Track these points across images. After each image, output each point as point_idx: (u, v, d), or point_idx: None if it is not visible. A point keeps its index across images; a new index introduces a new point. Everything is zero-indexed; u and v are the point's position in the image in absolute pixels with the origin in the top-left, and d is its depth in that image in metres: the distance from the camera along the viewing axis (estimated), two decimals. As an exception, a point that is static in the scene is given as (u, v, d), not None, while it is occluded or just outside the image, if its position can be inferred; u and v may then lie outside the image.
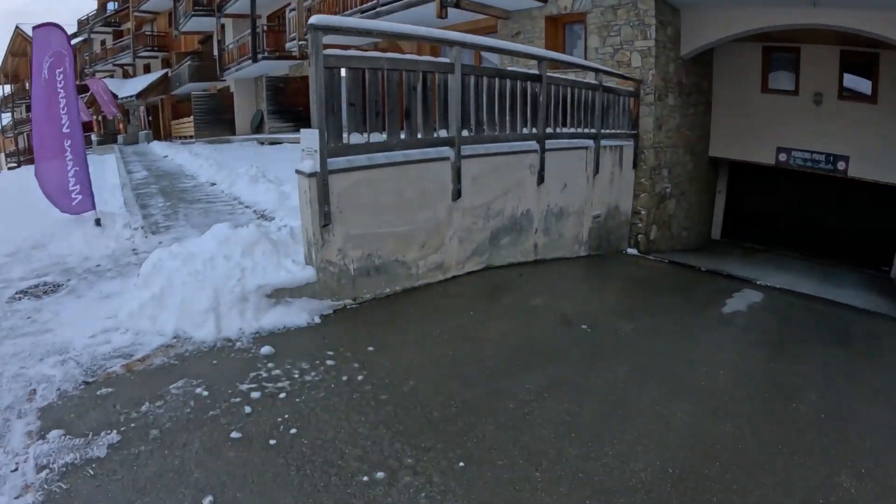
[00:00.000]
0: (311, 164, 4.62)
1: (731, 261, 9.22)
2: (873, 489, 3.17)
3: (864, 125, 8.67)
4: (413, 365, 4.17)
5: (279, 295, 4.73)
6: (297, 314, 4.72)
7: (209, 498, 2.68)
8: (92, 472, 2.81)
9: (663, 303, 6.44)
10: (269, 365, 3.93)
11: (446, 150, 5.61)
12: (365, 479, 2.92)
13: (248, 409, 3.40)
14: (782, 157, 9.59)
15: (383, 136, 5.05)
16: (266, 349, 4.13)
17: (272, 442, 3.13)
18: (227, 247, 4.85)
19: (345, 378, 3.88)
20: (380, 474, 2.95)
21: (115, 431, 3.11)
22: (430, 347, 4.50)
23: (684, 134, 9.20)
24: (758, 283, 7.50)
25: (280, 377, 3.80)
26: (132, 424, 3.18)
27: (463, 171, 5.77)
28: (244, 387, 3.64)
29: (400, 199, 5.33)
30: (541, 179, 6.79)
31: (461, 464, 3.10)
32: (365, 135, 4.90)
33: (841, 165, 9.17)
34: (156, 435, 3.10)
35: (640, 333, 5.22)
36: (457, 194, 5.79)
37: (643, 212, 8.70)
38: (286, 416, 3.38)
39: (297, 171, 4.72)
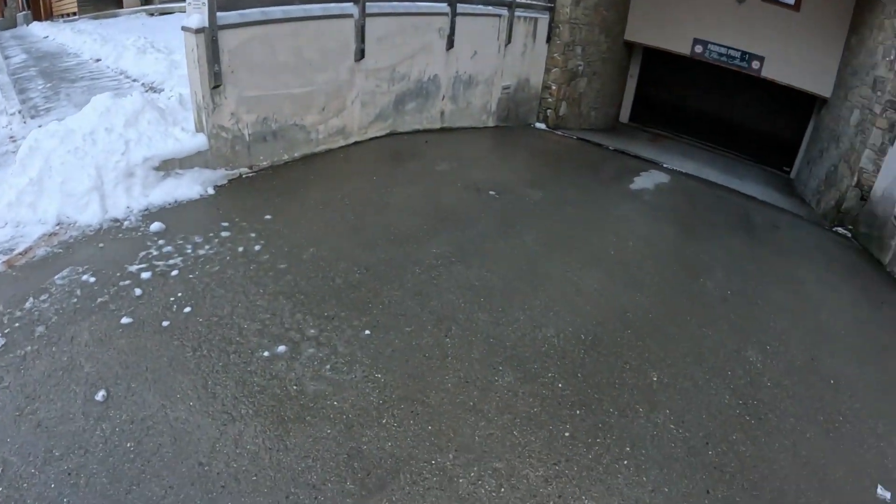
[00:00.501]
0: (198, 18, 4.09)
1: (637, 144, 9.45)
2: (778, 365, 3.52)
3: (783, 30, 8.78)
4: (313, 232, 4.04)
5: (168, 167, 4.36)
6: (188, 186, 4.41)
7: (101, 392, 2.50)
8: (-27, 385, 2.53)
9: (572, 176, 6.55)
10: (160, 242, 3.68)
11: (349, 7, 5.10)
12: (266, 354, 2.85)
13: (138, 292, 3.17)
14: (698, 48, 9.62)
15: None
16: (156, 226, 3.86)
17: (165, 324, 2.97)
18: (108, 119, 4.33)
19: (241, 249, 3.72)
20: (281, 348, 2.89)
21: (-3, 336, 2.81)
22: (331, 214, 4.36)
23: (602, 13, 8.94)
24: (664, 165, 7.78)
25: (171, 254, 3.57)
26: (16, 325, 2.86)
27: (367, 30, 5.33)
28: (133, 268, 3.38)
29: (298, 58, 4.89)
30: (450, 44, 6.42)
31: (367, 332, 3.09)
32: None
33: (756, 65, 9.35)
34: (42, 332, 2.82)
35: (549, 202, 5.30)
36: (360, 54, 5.37)
37: (554, 87, 8.56)
38: (179, 294, 3.19)
39: (183, 28, 4.17)
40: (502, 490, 2.33)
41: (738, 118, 10.83)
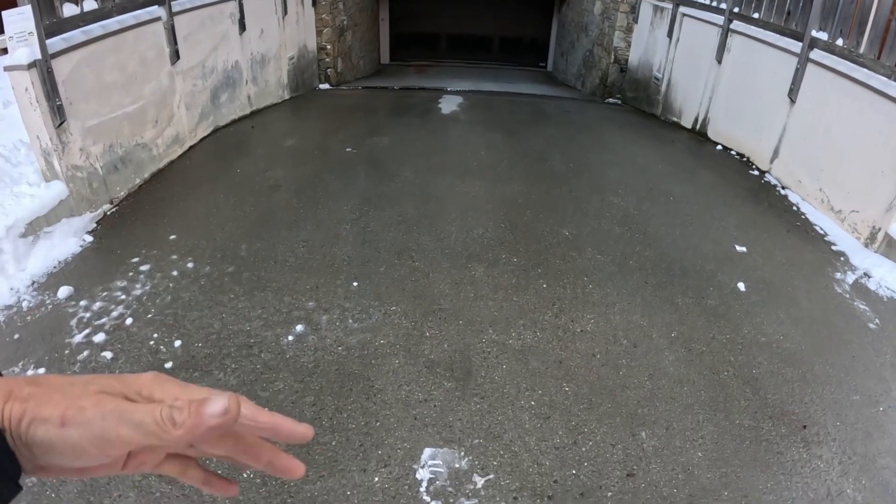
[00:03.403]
0: (26, 52, 3.89)
1: (410, 78, 10.68)
2: (633, 200, 5.05)
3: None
4: (227, 231, 4.38)
5: (35, 228, 4.16)
6: (62, 242, 4.27)
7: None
8: None
9: (389, 118, 7.45)
10: (83, 303, 3.56)
11: (157, 10, 5.33)
12: (290, 338, 3.33)
13: (107, 356, 3.16)
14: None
15: (95, 3, 4.67)
16: (64, 290, 3.65)
17: (168, 365, 3.16)
18: None
19: (175, 273, 3.87)
20: (299, 328, 3.41)
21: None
22: (229, 210, 4.69)
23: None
24: (448, 90, 9.09)
25: (108, 308, 3.53)
26: None
27: (175, 30, 5.67)
28: (77, 338, 3.27)
29: (124, 73, 5.00)
30: (242, 27, 6.85)
31: (355, 283, 3.84)
32: (76, 4, 4.50)
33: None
34: None
35: (395, 144, 6.21)
36: (175, 56, 5.62)
37: (329, 46, 9.30)
38: (156, 335, 3.30)
39: (7, 69, 4.13)
40: (514, 333, 3.43)
41: (490, 32, 12.72)
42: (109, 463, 0.49)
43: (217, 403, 0.45)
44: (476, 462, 2.60)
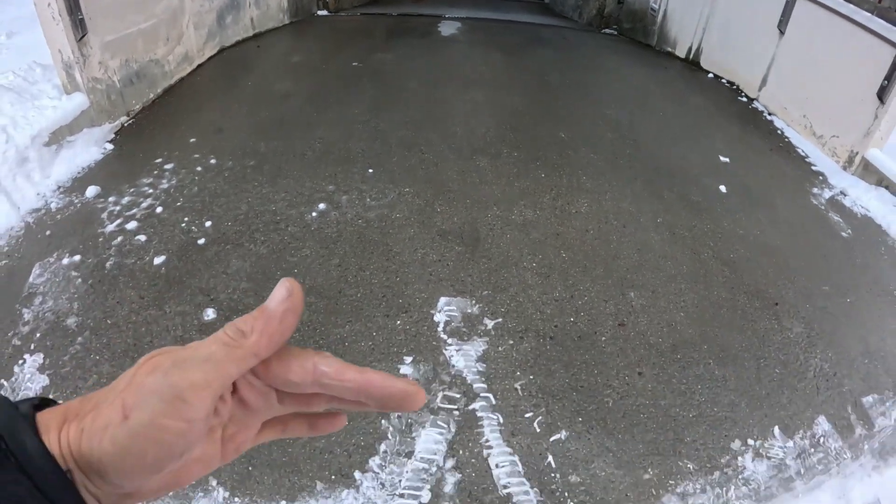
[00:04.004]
0: None
1: (407, 6, 10.80)
2: (625, 114, 5.41)
3: None
4: (247, 129, 4.69)
5: (58, 137, 4.36)
6: (85, 150, 4.49)
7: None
8: None
9: (390, 39, 7.62)
10: (111, 199, 3.81)
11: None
12: (314, 214, 3.68)
13: (141, 239, 3.45)
14: None
15: None
16: (92, 190, 3.89)
17: (202, 241, 3.57)
18: None
19: (199, 168, 4.18)
20: (321, 206, 3.77)
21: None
22: (244, 117, 4.93)
23: None
24: (446, 16, 9.28)
25: (138, 201, 3.79)
26: (39, 330, 3.20)
27: (182, -52, 5.80)
28: (110, 227, 3.53)
29: None
30: (244, -55, 7.07)
31: (370, 170, 4.21)
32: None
33: None
34: (75, 322, 3.21)
35: (399, 59, 6.46)
36: (184, -25, 5.89)
37: (327, -29, 9.49)
38: (186, 219, 3.62)
39: None
40: (517, 210, 3.82)
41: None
42: (203, 453, 0.44)
43: (276, 292, 0.43)
44: (486, 308, 3.01)
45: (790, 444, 2.57)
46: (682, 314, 3.17)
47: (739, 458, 2.47)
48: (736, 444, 2.53)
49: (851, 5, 5.08)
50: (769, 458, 2.50)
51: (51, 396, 0.44)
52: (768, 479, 2.43)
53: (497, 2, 11.63)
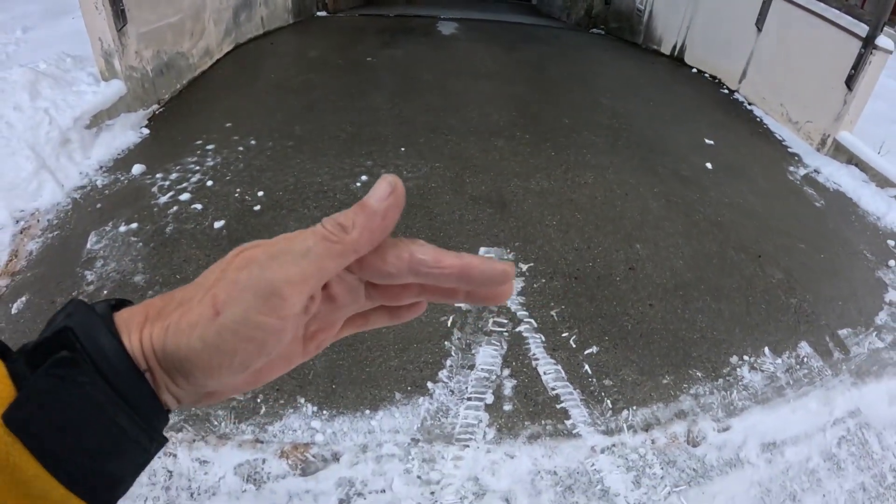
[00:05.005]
0: None
1: (402, 7, 11.34)
2: (618, 101, 5.99)
3: None
4: (276, 115, 5.13)
5: (98, 121, 4.68)
6: (122, 133, 4.81)
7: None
8: None
9: (395, 37, 8.09)
10: (158, 176, 4.18)
11: (195, -75, 6.02)
12: (358, 184, 4.22)
13: (198, 207, 3.84)
14: None
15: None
16: (138, 167, 4.24)
17: (257, 208, 4.07)
18: (7, 99, 4.30)
19: (241, 148, 4.61)
20: (364, 177, 4.24)
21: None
22: (279, 102, 5.43)
23: None
24: (442, 17, 9.83)
25: (186, 176, 4.16)
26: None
27: (203, -52, 6.26)
28: (163, 199, 3.89)
29: None
30: (258, -52, 7.55)
31: (402, 149, 4.67)
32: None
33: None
34: (140, 280, 3.78)
35: (409, 55, 7.02)
36: (206, -27, 6.36)
37: (326, -27, 10.00)
38: (238, 190, 4.05)
39: None
40: (534, 181, 4.37)
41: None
42: (286, 350, 0.43)
43: (378, 188, 0.42)
44: (519, 255, 3.55)
45: (779, 361, 3.14)
46: (681, 262, 3.73)
47: (738, 370, 3.03)
48: (734, 359, 3.09)
49: (822, 3, 5.74)
50: (762, 370, 3.06)
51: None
52: (763, 387, 2.99)
53: (486, 3, 12.21)
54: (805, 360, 3.19)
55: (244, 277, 0.38)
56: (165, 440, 0.41)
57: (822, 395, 3.02)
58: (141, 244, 3.54)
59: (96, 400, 0.36)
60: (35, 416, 0.35)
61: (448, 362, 2.86)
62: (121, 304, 0.42)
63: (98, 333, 0.38)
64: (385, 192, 0.41)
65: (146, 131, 5.03)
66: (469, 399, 2.72)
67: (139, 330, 0.39)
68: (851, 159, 5.39)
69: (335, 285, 0.43)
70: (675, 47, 8.07)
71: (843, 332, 3.42)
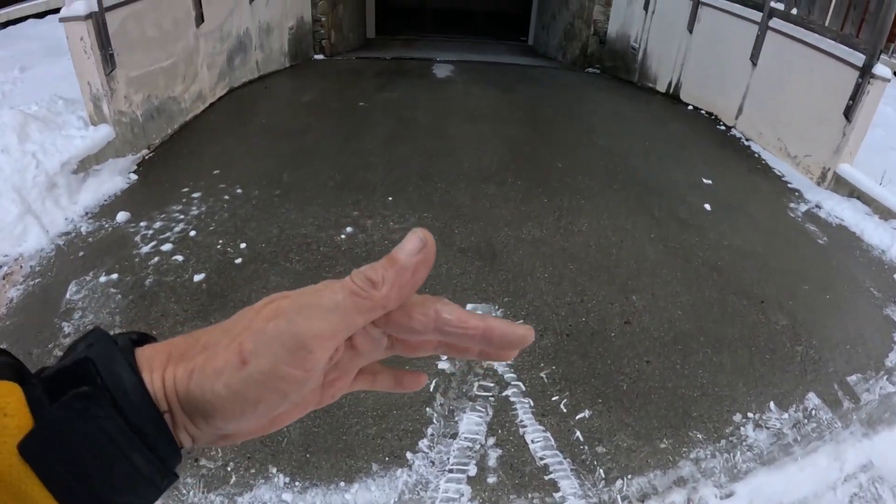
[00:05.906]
0: (84, 4, 4.50)
1: (398, 50, 11.38)
2: (613, 140, 5.91)
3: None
4: (266, 163, 5.06)
5: (85, 166, 4.67)
6: (110, 179, 4.77)
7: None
8: None
9: (391, 80, 8.16)
10: (142, 224, 4.13)
11: (186, -27, 6.02)
12: (343, 236, 4.07)
13: (179, 258, 3.77)
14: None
15: (142, -36, 5.28)
16: (122, 215, 4.18)
17: (238, 261, 3.95)
18: None
19: (227, 197, 4.54)
20: (349, 229, 4.13)
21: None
22: (266, 149, 5.37)
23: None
24: (438, 60, 9.82)
25: (169, 225, 4.09)
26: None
27: (195, -7, 6.27)
28: (145, 249, 3.84)
29: (160, 31, 5.60)
30: (253, -6, 7.57)
31: (390, 198, 4.60)
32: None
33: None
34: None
35: (403, 98, 6.98)
36: (200, 19, 6.28)
37: (323, 18, 9.95)
38: (221, 241, 3.94)
39: (64, 20, 4.67)
40: (525, 230, 4.22)
41: (472, 7, 13.50)
42: (305, 399, 0.44)
43: (409, 241, 0.42)
44: (508, 312, 3.39)
45: (785, 415, 2.94)
46: (679, 312, 3.55)
47: (742, 429, 2.84)
48: (737, 417, 2.89)
49: (816, 35, 5.63)
50: (768, 427, 2.87)
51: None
52: (769, 446, 2.79)
53: (482, 45, 12.28)
54: (813, 412, 3.00)
55: (272, 328, 0.39)
56: (177, 477, 0.40)
57: (831, 449, 2.83)
58: (120, 296, 3.46)
59: (111, 435, 0.36)
60: (50, 447, 0.35)
61: (429, 430, 2.69)
62: (142, 337, 0.43)
63: (120, 369, 0.38)
64: (416, 247, 0.42)
65: (134, 177, 4.98)
66: (450, 471, 2.54)
67: (161, 369, 0.40)
68: (853, 192, 5.23)
69: (359, 336, 0.44)
70: (670, 84, 7.98)
71: (852, 379, 3.23)
